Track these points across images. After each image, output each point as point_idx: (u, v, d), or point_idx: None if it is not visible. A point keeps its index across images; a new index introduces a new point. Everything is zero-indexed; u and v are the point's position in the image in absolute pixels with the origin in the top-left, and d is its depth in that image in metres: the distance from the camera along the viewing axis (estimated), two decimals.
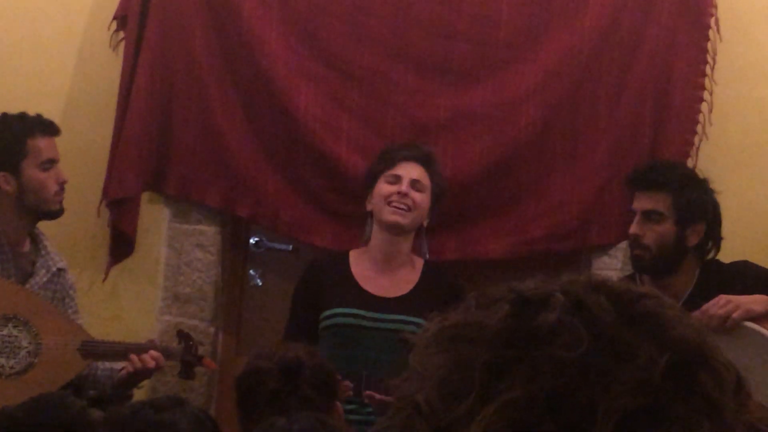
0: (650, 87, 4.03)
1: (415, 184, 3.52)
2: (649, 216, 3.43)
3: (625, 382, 0.73)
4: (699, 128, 4.03)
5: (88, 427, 2.35)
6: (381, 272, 3.53)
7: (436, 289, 3.51)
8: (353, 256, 3.58)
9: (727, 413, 0.75)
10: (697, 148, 4.03)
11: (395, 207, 3.48)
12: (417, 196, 3.51)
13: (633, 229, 3.44)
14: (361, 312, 3.45)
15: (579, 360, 0.74)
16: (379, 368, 3.34)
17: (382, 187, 3.52)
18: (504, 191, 4.05)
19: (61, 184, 3.55)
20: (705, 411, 0.74)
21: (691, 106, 4.04)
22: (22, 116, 3.55)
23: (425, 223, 3.59)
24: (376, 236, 3.55)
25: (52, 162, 3.53)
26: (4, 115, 3.57)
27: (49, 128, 3.56)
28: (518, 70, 4.03)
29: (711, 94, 4.03)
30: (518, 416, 0.74)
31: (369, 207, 3.56)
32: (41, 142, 3.52)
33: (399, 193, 3.49)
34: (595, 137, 4.04)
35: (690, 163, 3.97)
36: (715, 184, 3.50)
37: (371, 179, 3.57)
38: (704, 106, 4.04)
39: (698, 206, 3.42)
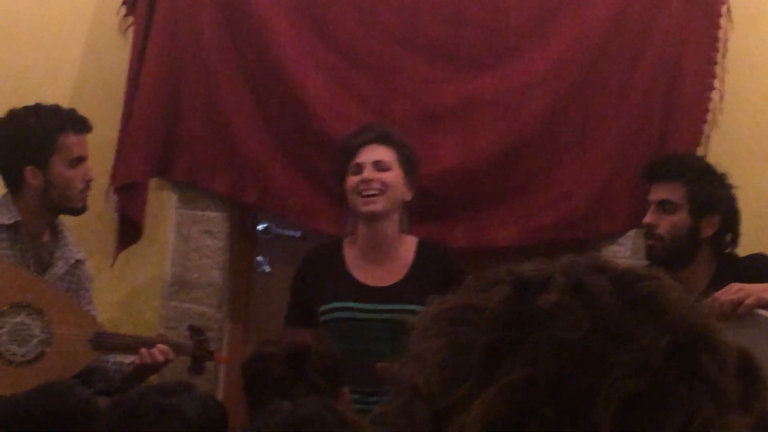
0: (661, 75, 4.02)
1: (378, 165, 3.46)
2: (663, 206, 3.42)
3: (625, 364, 0.73)
4: (709, 117, 4.02)
5: (95, 415, 2.35)
6: (373, 262, 3.50)
7: (432, 269, 3.46)
8: (346, 246, 3.54)
9: (730, 395, 0.75)
10: (708, 137, 4.01)
11: (366, 196, 3.43)
12: (384, 176, 3.45)
13: (647, 218, 3.43)
14: (357, 305, 3.42)
15: (579, 342, 0.73)
16: (380, 359, 3.32)
17: (350, 180, 3.46)
18: (512, 179, 4.03)
19: (87, 182, 3.51)
20: (707, 393, 0.74)
21: (702, 94, 4.02)
22: (56, 110, 3.49)
23: (408, 197, 3.52)
24: (361, 228, 3.51)
25: (80, 159, 3.49)
26: (38, 106, 3.49)
27: (81, 125, 3.50)
28: (527, 57, 4.01)
29: (722, 82, 4.02)
30: (518, 399, 0.73)
31: (350, 204, 3.52)
32: (72, 139, 3.47)
33: (363, 181, 3.45)
34: (605, 125, 4.02)
35: (700, 151, 3.95)
36: (726, 174, 3.49)
37: (341, 177, 3.52)
38: (715, 95, 4.02)
39: (713, 197, 3.41)
